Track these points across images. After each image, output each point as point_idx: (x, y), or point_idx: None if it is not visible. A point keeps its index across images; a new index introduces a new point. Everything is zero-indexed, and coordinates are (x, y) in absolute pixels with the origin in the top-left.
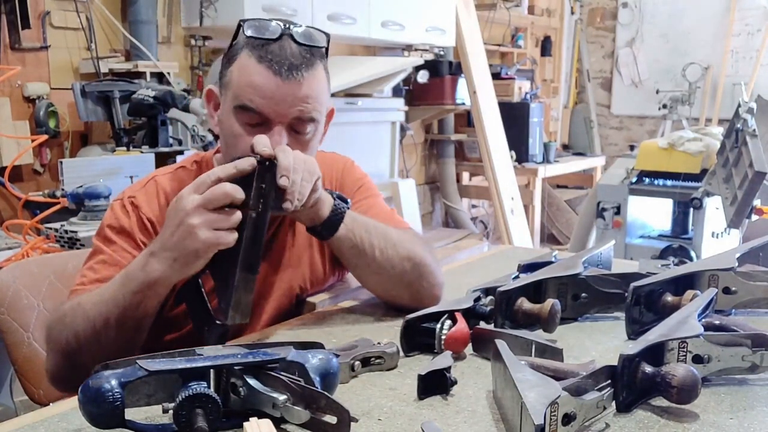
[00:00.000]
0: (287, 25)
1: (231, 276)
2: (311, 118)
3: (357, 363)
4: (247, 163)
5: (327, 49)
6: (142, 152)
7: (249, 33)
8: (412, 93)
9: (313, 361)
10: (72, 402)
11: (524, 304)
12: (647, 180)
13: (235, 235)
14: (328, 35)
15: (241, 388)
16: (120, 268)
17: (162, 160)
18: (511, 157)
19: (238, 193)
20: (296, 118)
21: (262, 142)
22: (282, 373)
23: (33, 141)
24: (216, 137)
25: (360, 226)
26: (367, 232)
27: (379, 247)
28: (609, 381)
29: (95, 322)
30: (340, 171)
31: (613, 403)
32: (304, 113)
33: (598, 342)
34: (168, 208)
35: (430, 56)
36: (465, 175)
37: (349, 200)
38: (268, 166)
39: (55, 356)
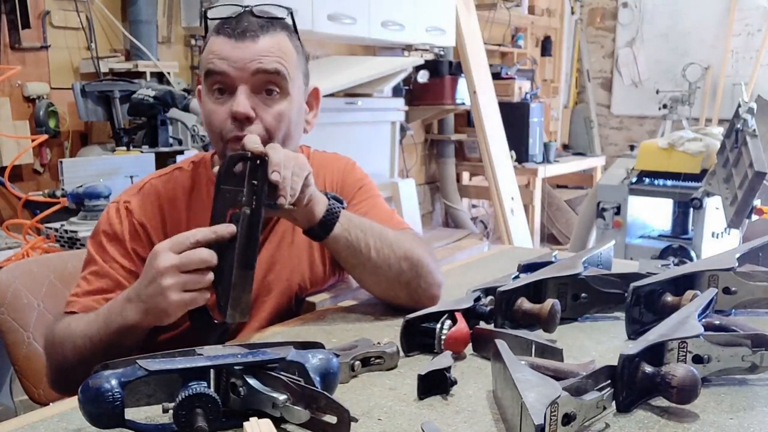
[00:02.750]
0: (249, 7)
1: (229, 274)
2: (275, 70)
3: (357, 363)
4: (226, 230)
5: (295, 26)
6: (142, 152)
7: (211, 15)
8: (412, 93)
9: (313, 361)
10: (72, 402)
11: (524, 304)
12: (647, 180)
13: (207, 294)
14: (289, 9)
15: (241, 388)
16: (111, 280)
17: (162, 159)
18: (511, 157)
19: (213, 258)
20: (257, 72)
21: (253, 140)
22: (282, 373)
23: (33, 141)
24: None
25: (355, 225)
26: (362, 232)
27: (375, 246)
28: (609, 381)
29: (83, 351)
30: (341, 172)
31: (613, 403)
32: (263, 64)
33: (598, 342)
34: (148, 257)
35: (430, 56)
36: (465, 175)
37: (344, 200)
38: (259, 163)
39: (50, 370)
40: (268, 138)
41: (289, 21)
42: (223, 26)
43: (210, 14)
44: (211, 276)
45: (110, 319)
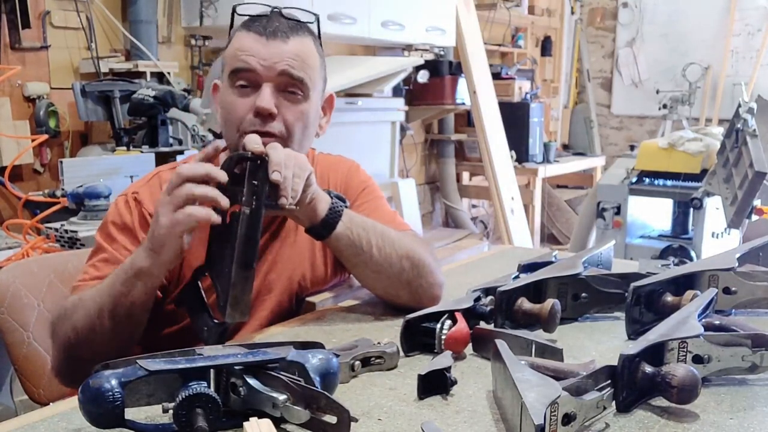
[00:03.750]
0: (278, 7)
1: (228, 274)
2: (300, 78)
3: (357, 363)
4: (220, 174)
5: (319, 32)
6: (142, 152)
7: (240, 11)
8: (412, 93)
9: (313, 361)
10: (72, 402)
11: (524, 304)
12: (647, 180)
13: (202, 210)
14: (316, 15)
15: (241, 388)
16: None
17: (162, 159)
18: (511, 157)
19: (196, 189)
20: (283, 74)
21: (253, 140)
22: (282, 373)
23: (33, 141)
24: (216, 136)
25: (358, 224)
26: (365, 231)
27: (378, 245)
28: (609, 381)
29: (92, 313)
30: (345, 174)
31: (613, 403)
32: (291, 69)
33: (598, 342)
34: None
35: (430, 56)
36: (465, 175)
37: (346, 200)
38: (259, 163)
39: (57, 351)
40: (287, 135)
41: (314, 27)
42: (254, 24)
43: (240, 10)
44: (202, 189)
45: (121, 270)
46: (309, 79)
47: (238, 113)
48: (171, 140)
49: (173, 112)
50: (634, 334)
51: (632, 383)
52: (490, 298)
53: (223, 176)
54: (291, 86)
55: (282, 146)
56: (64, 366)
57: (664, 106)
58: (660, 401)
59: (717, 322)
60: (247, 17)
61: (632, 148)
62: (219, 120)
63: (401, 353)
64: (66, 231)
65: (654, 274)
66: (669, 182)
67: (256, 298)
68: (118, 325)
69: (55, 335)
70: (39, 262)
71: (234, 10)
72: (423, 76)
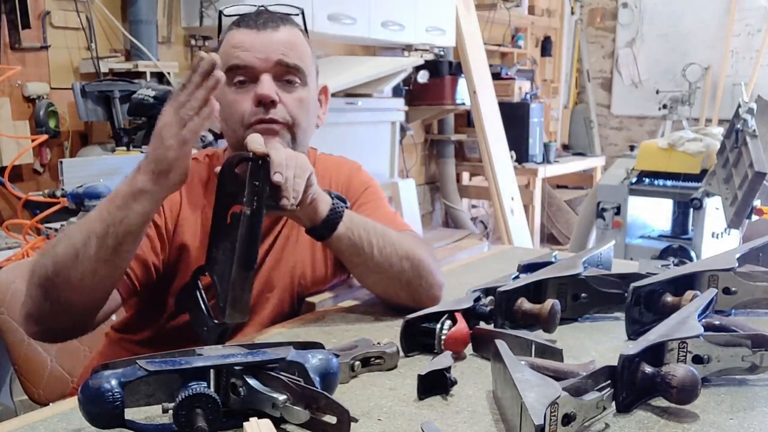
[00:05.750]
0: (263, 6)
1: (228, 275)
2: (296, 66)
3: (357, 363)
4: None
5: (305, 26)
6: (142, 152)
7: (228, 13)
8: (412, 93)
9: (313, 361)
10: (72, 402)
11: (524, 304)
12: (647, 180)
13: (200, 121)
14: (301, 9)
15: (241, 388)
16: None
17: None
18: (511, 157)
19: (199, 92)
20: (279, 63)
21: (255, 140)
22: (282, 373)
23: (33, 141)
24: (216, 137)
25: (359, 225)
26: (365, 231)
27: (378, 246)
28: (609, 381)
29: (76, 242)
30: (347, 175)
31: (613, 404)
32: (285, 57)
33: (598, 342)
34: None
35: (430, 56)
36: (465, 175)
37: (347, 200)
38: (261, 163)
39: (31, 289)
40: (292, 122)
41: (299, 21)
42: (243, 20)
43: (227, 12)
44: (201, 96)
45: (116, 194)
46: (304, 65)
47: (240, 108)
48: None
49: None
50: (634, 334)
51: (632, 383)
52: (490, 298)
53: (220, 75)
54: (288, 74)
55: (289, 135)
56: (35, 309)
57: (664, 107)
58: (660, 401)
59: (717, 323)
60: (236, 17)
61: (632, 148)
62: (218, 121)
63: (401, 353)
64: None
65: (654, 274)
66: (669, 182)
67: (257, 298)
68: (104, 253)
69: (31, 273)
70: None
71: (221, 14)
72: (423, 77)
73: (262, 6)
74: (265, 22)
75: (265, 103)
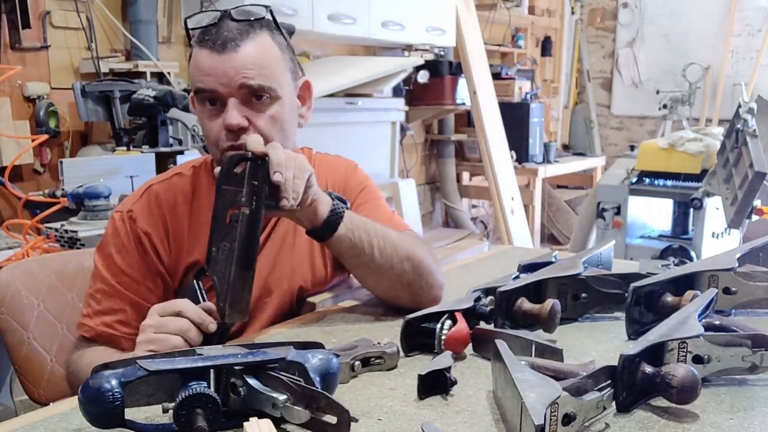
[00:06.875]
0: (227, 10)
1: (228, 275)
2: (259, 86)
3: (357, 363)
4: (210, 323)
5: (275, 21)
6: (142, 152)
7: (191, 25)
8: (412, 93)
9: (313, 361)
10: (72, 402)
11: (524, 304)
12: (647, 180)
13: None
14: (267, 7)
15: (241, 388)
16: (119, 298)
17: (162, 160)
18: (511, 157)
19: (191, 330)
20: (243, 86)
21: (254, 140)
22: (282, 373)
23: (33, 141)
24: None
25: (359, 226)
26: (366, 232)
27: (379, 247)
28: (609, 381)
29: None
30: (344, 174)
31: (613, 404)
32: (248, 80)
33: (598, 342)
34: None
35: (430, 56)
36: (465, 175)
37: (347, 201)
38: (260, 163)
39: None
40: (265, 141)
41: (269, 17)
42: (204, 37)
43: (190, 23)
44: (179, 341)
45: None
46: (271, 81)
47: (213, 134)
48: (171, 140)
49: (173, 112)
50: (634, 334)
51: (632, 383)
52: (490, 298)
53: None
54: (254, 94)
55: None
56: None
57: (664, 107)
58: (660, 401)
59: (717, 323)
60: (200, 29)
61: (632, 148)
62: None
63: (401, 353)
64: (66, 231)
65: (654, 274)
66: (669, 182)
67: (257, 300)
68: None
69: (69, 384)
70: (39, 262)
71: (185, 24)
72: (423, 76)
73: (226, 11)
74: (224, 42)
75: (234, 131)
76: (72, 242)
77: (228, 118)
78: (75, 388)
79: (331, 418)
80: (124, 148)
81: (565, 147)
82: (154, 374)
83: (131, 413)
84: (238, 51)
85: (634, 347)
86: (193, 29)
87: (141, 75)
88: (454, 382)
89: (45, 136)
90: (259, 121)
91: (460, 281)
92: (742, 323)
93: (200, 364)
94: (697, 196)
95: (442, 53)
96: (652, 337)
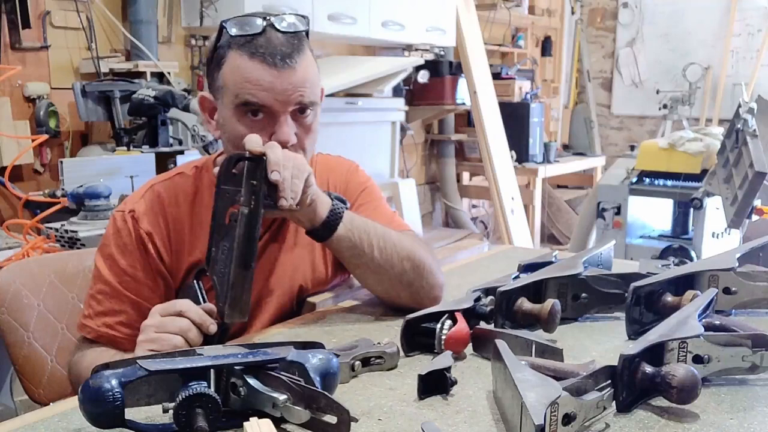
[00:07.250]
0: (267, 18)
1: (228, 275)
2: (310, 102)
3: (357, 363)
4: (210, 324)
5: (307, 32)
6: (142, 152)
7: (234, 32)
8: (412, 93)
9: (313, 361)
10: (72, 402)
11: (524, 304)
12: (647, 180)
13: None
14: (307, 18)
15: (241, 388)
16: (120, 299)
17: (162, 159)
18: (511, 157)
19: (191, 331)
20: (299, 104)
21: (253, 140)
22: (282, 373)
23: (33, 141)
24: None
25: (359, 226)
26: (366, 232)
27: (379, 246)
28: (609, 381)
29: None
30: (345, 174)
31: (613, 403)
32: (304, 98)
33: (598, 342)
34: None
35: (430, 56)
36: (465, 175)
37: (347, 201)
38: (258, 162)
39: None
40: (301, 153)
41: (306, 29)
42: (255, 48)
43: (232, 30)
44: (179, 341)
45: None
46: (315, 96)
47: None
48: (171, 140)
49: (173, 112)
50: (634, 334)
51: (632, 383)
52: (490, 298)
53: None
54: (303, 110)
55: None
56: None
57: (665, 107)
58: (660, 401)
59: (717, 322)
60: (241, 37)
61: (632, 148)
62: (222, 141)
63: (401, 353)
64: (66, 231)
65: (654, 274)
66: (669, 182)
67: (257, 300)
68: None
69: (71, 384)
70: (39, 262)
71: (222, 27)
72: (423, 76)
73: (267, 18)
74: (283, 59)
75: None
76: (72, 242)
77: (283, 135)
78: (72, 384)
79: (331, 418)
80: (124, 148)
81: (565, 147)
82: (154, 374)
83: (131, 413)
84: (296, 69)
85: (634, 347)
86: (234, 36)
87: (141, 75)
88: (454, 382)
89: (45, 136)
90: (302, 133)
91: (460, 281)
92: (742, 323)
93: (200, 364)
94: (697, 196)
95: (442, 53)
96: (652, 337)
